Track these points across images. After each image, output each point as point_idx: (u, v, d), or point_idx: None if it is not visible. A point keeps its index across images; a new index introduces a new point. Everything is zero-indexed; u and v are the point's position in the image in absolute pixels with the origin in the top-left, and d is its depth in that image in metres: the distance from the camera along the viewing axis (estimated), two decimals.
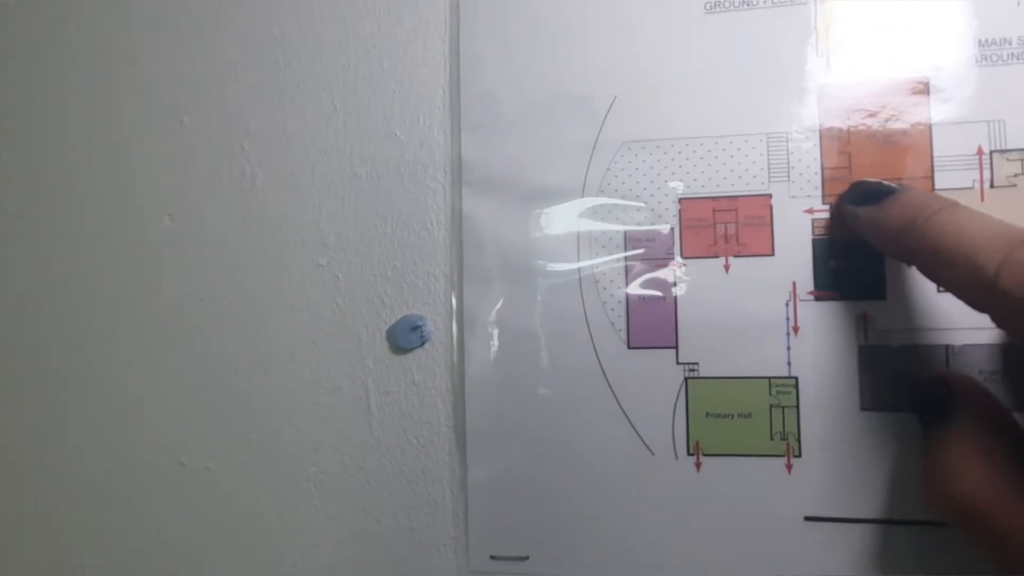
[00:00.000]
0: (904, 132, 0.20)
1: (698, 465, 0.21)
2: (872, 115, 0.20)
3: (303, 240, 0.23)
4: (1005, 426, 0.17)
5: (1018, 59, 0.20)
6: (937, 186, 0.20)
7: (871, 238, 0.19)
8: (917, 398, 0.19)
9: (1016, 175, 0.20)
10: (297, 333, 0.23)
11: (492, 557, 0.22)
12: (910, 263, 0.18)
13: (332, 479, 0.23)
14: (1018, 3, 0.20)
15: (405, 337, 0.22)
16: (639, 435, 0.21)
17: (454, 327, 0.22)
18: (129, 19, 0.25)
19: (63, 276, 0.25)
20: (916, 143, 0.20)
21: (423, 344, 0.22)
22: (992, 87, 0.20)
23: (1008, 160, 0.20)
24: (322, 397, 0.23)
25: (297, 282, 0.23)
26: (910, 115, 0.20)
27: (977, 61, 0.20)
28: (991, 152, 0.20)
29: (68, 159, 0.25)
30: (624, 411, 0.21)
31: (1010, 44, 0.20)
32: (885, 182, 0.19)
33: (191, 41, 0.24)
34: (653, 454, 0.21)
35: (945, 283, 0.17)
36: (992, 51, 0.20)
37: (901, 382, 0.20)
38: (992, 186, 0.20)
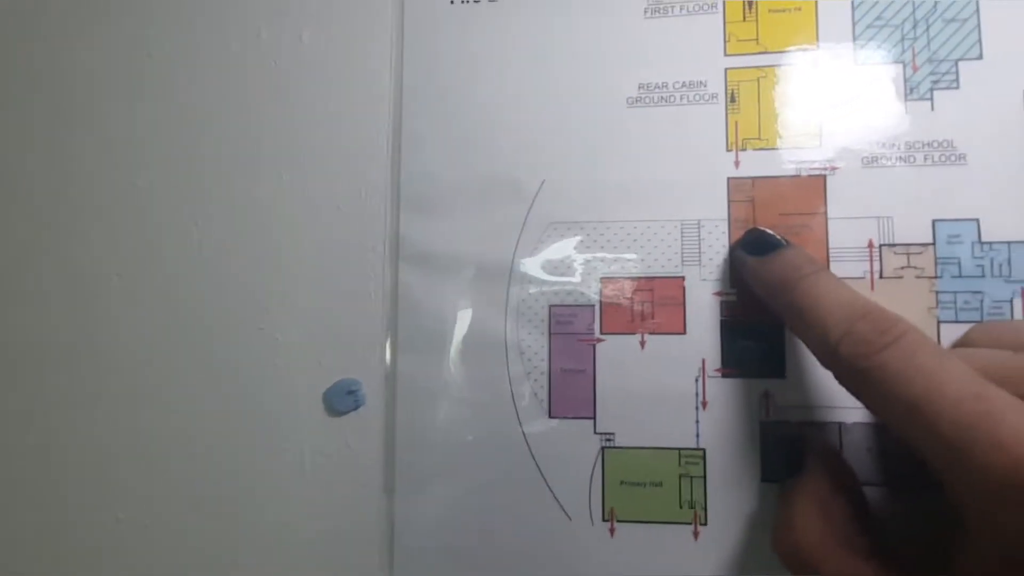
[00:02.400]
0: (803, 224, 0.22)
1: (612, 531, 0.22)
2: (774, 207, 0.22)
3: (245, 303, 0.24)
4: (849, 489, 0.19)
5: (904, 162, 0.22)
6: None
7: (753, 286, 0.21)
8: (775, 449, 0.21)
9: (903, 267, 0.21)
10: (237, 393, 0.24)
11: None
12: (781, 318, 0.21)
13: (265, 536, 0.23)
14: (905, 111, 0.22)
15: (341, 400, 0.23)
16: (558, 501, 0.22)
17: (387, 392, 0.23)
18: (89, 80, 0.26)
19: (15, 330, 0.26)
20: (814, 235, 0.22)
21: (357, 408, 0.23)
22: (881, 187, 0.22)
23: (895, 253, 0.21)
24: (259, 456, 0.24)
25: (238, 343, 0.24)
26: (809, 209, 0.22)
27: (868, 162, 0.22)
28: (880, 246, 0.22)
29: (23, 213, 0.26)
30: (544, 477, 0.22)
31: (898, 148, 0.22)
32: (774, 235, 0.21)
33: (149, 107, 0.26)
34: (571, 519, 0.22)
35: (804, 342, 0.19)
36: (882, 153, 0.22)
37: (798, 456, 0.21)
38: (881, 276, 0.21)
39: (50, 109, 0.26)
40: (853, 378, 0.17)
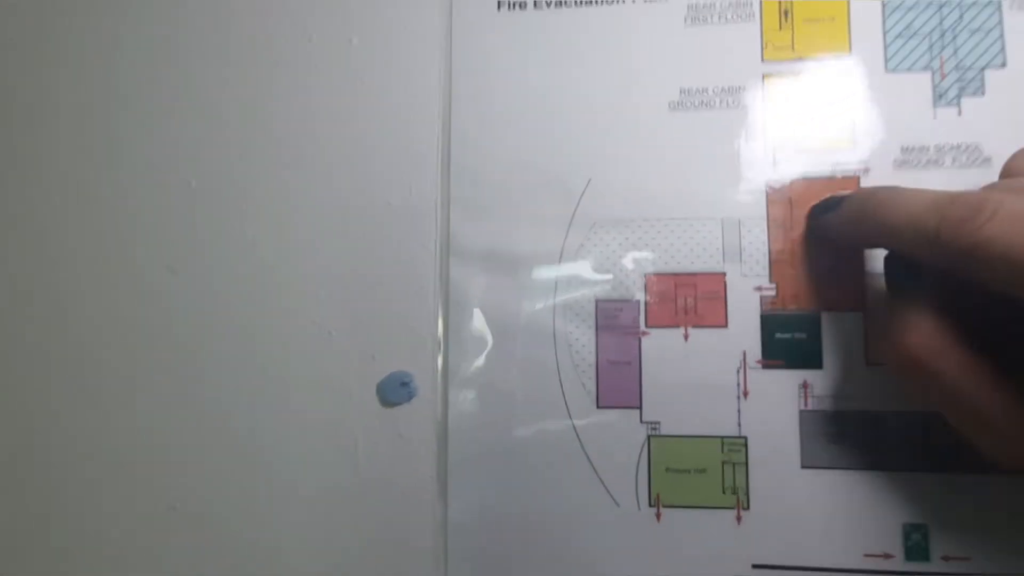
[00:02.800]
0: None
1: (658, 516, 0.23)
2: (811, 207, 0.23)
3: (301, 299, 0.25)
4: (964, 300, 0.19)
5: (934, 164, 0.23)
6: (868, 271, 0.23)
7: (837, 236, 0.22)
8: (889, 267, 0.22)
9: None
10: (294, 386, 0.25)
11: None
12: (870, 244, 0.22)
13: (321, 522, 0.24)
14: (934, 116, 0.23)
15: (394, 392, 0.24)
16: (606, 487, 0.23)
17: (439, 384, 0.24)
18: (142, 83, 0.27)
19: (63, 321, 0.26)
20: None
21: (410, 399, 0.24)
22: (911, 186, 0.23)
23: None
24: (315, 444, 0.25)
25: (295, 338, 0.25)
26: None
27: (899, 164, 0.23)
28: None
29: (70, 210, 0.27)
30: (593, 465, 0.23)
31: (927, 151, 0.23)
32: (836, 194, 0.22)
33: (204, 108, 0.26)
34: (619, 505, 0.23)
35: (897, 247, 0.20)
36: (912, 156, 0.23)
37: (835, 443, 0.22)
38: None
39: (104, 111, 0.27)
40: (960, 259, 0.17)
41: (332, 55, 0.26)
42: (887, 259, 0.22)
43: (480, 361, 0.24)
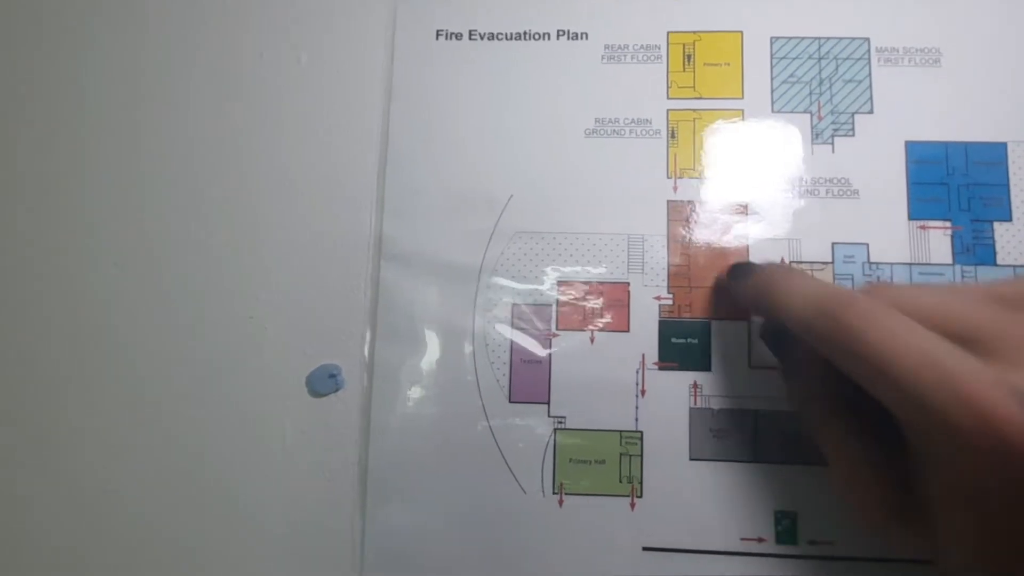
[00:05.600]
0: (729, 243, 0.26)
1: (560, 502, 0.25)
2: (706, 227, 0.26)
3: (240, 296, 0.27)
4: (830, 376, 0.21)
5: (810, 195, 0.26)
6: None
7: (743, 303, 0.25)
8: (767, 338, 0.24)
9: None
10: (229, 376, 0.26)
11: None
12: (766, 316, 0.25)
13: (248, 505, 0.25)
14: (811, 152, 0.26)
15: (322, 383, 0.26)
16: (515, 476, 0.25)
17: (365, 377, 0.26)
18: (92, 91, 0.28)
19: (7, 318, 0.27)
20: (738, 251, 0.26)
21: (337, 391, 0.26)
22: (791, 214, 0.26)
23: (803, 270, 0.26)
24: (247, 431, 0.26)
25: (233, 332, 0.27)
26: (734, 230, 0.26)
27: (782, 194, 0.26)
28: (791, 263, 0.26)
29: (37, 206, 0.28)
30: (503, 455, 0.25)
31: (805, 183, 0.26)
32: (750, 263, 0.25)
33: (155, 114, 0.28)
34: (525, 493, 0.25)
35: (788, 327, 0.22)
36: (792, 186, 0.26)
37: (719, 438, 0.25)
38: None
39: (53, 120, 0.28)
40: (828, 350, 0.19)
41: (282, 71, 0.28)
42: (761, 332, 0.25)
43: (404, 358, 0.26)
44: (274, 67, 0.28)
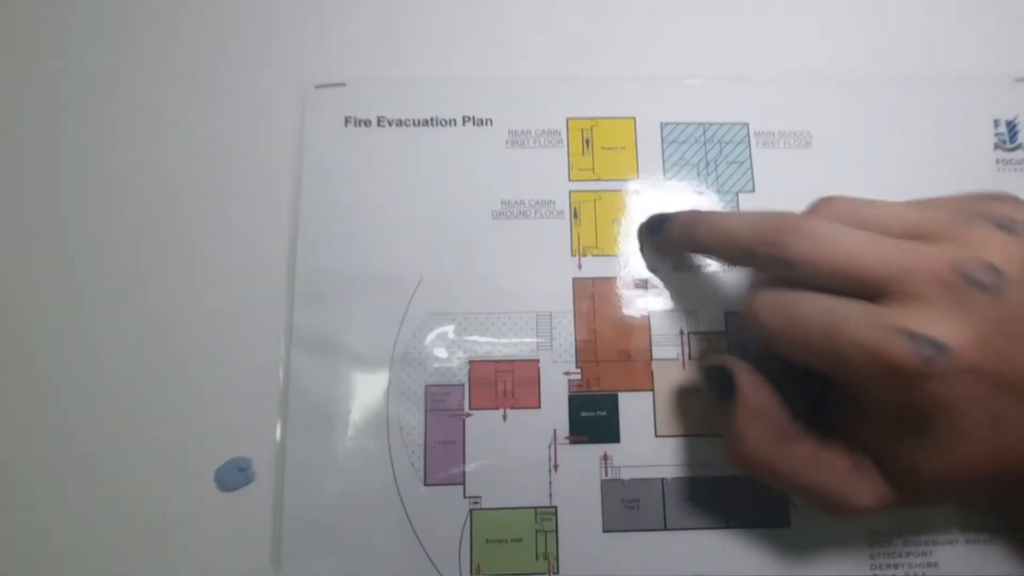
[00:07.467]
0: (631, 316, 0.27)
1: None
2: (609, 302, 0.27)
3: (147, 385, 0.26)
4: (771, 397, 0.23)
5: (704, 267, 0.28)
6: (655, 357, 0.27)
7: (665, 253, 0.27)
8: (711, 382, 0.25)
9: (704, 351, 0.27)
10: (131, 471, 0.25)
11: None
12: (697, 253, 0.27)
13: None
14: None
15: (231, 477, 0.25)
16: (431, 561, 0.25)
17: (277, 470, 0.25)
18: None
19: None
20: (640, 324, 0.27)
21: (247, 484, 0.25)
22: (688, 287, 0.28)
23: (699, 339, 0.27)
24: (149, 533, 0.25)
25: (137, 426, 0.26)
26: (635, 304, 0.27)
27: (677, 269, 0.28)
28: (689, 333, 0.27)
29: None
30: (420, 540, 0.25)
31: (699, 256, 0.28)
32: (660, 214, 0.27)
33: (43, 210, 0.28)
34: None
35: (719, 259, 0.26)
36: (688, 260, 0.28)
37: (630, 508, 0.25)
38: (690, 358, 0.27)
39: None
40: (771, 266, 0.22)
41: (190, 151, 0.28)
42: (705, 371, 0.25)
43: (317, 446, 0.26)
44: (179, 156, 0.28)
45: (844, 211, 0.23)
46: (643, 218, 0.28)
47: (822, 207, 0.23)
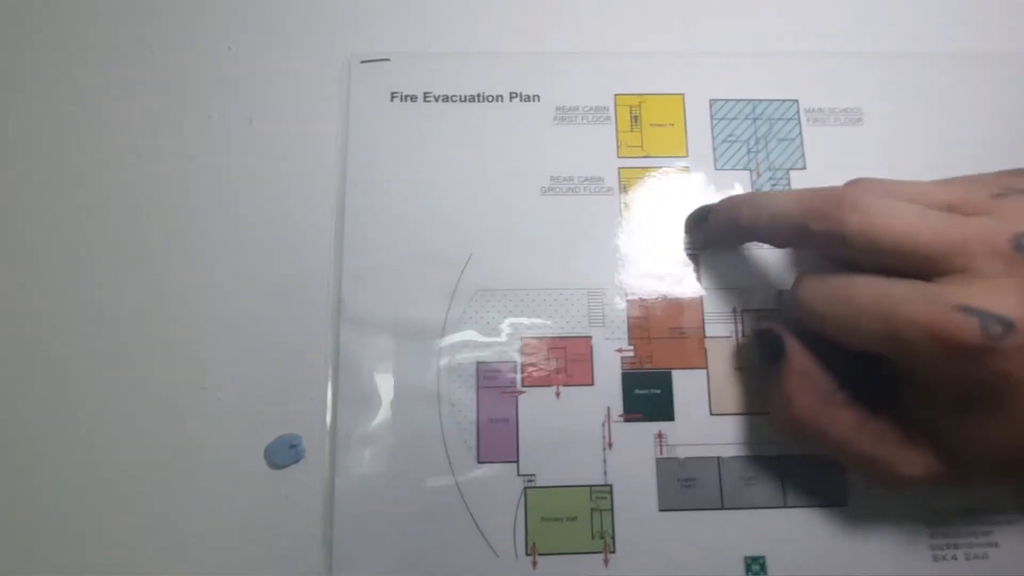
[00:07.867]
0: (683, 293, 0.27)
1: (534, 564, 0.24)
2: (661, 279, 0.27)
3: (192, 365, 0.26)
4: (818, 363, 0.23)
5: (756, 246, 0.27)
6: (708, 335, 0.27)
7: (714, 242, 0.27)
8: (761, 345, 0.25)
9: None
10: (181, 450, 0.25)
11: None
12: (744, 241, 0.27)
13: None
14: None
15: (282, 454, 0.25)
16: (486, 539, 0.24)
17: (328, 446, 0.25)
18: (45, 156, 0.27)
19: None
20: (692, 302, 0.27)
21: (298, 461, 0.25)
22: (741, 265, 0.27)
23: (752, 317, 0.27)
24: (201, 507, 0.24)
25: (184, 404, 0.25)
26: (687, 282, 0.27)
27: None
28: (742, 311, 0.27)
29: None
30: (474, 518, 0.25)
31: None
32: (703, 206, 0.27)
33: (99, 179, 0.27)
34: (498, 556, 0.24)
35: (769, 240, 0.24)
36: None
37: (686, 487, 0.25)
38: (743, 336, 0.27)
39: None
40: (826, 243, 0.21)
41: (230, 133, 0.28)
42: (755, 334, 0.25)
43: (368, 422, 0.25)
44: (224, 129, 0.28)
45: (879, 191, 0.22)
46: (692, 203, 0.27)
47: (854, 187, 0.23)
